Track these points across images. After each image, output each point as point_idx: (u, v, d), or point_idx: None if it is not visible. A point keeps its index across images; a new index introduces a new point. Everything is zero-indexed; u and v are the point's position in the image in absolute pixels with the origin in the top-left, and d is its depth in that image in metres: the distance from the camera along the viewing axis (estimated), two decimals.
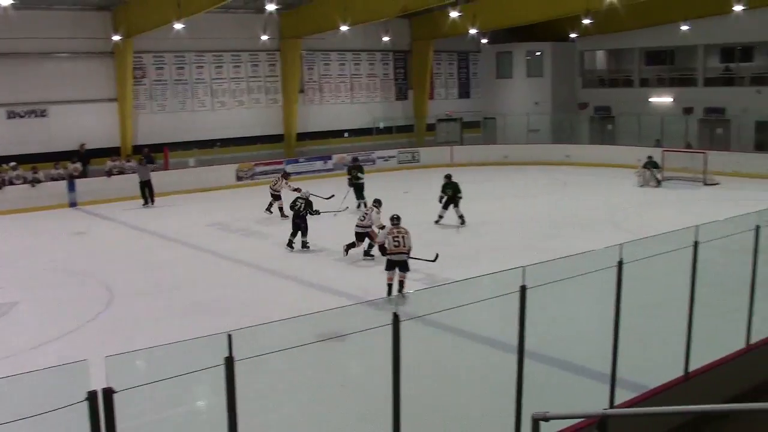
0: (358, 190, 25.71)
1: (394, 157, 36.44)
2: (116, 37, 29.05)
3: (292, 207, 20.25)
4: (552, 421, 6.65)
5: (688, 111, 37.38)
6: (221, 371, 5.69)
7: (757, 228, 9.83)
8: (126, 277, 17.50)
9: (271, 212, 24.33)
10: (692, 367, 9.27)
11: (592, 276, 8.07)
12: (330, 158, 34.59)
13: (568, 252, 9.84)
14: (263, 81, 34.86)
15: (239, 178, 32.04)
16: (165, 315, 14.55)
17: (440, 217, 22.73)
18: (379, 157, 35.61)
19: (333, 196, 23.16)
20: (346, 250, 18.59)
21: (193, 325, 13.25)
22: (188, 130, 32.29)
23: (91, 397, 5.11)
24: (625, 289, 8.26)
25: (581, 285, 8.45)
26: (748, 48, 37.46)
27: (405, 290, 15.02)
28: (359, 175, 25.89)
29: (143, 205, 27.23)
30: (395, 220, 15.69)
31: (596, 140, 39.53)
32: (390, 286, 15.07)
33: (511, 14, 34.22)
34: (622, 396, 8.62)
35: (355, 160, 28.20)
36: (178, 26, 26.10)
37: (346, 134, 37.46)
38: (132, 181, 28.04)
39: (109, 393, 5.14)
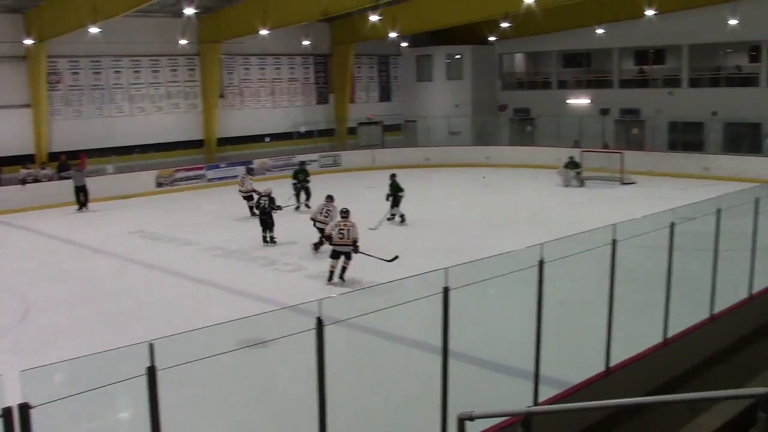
0: (307, 192, 26.32)
1: (315, 161, 36.26)
2: (28, 41, 28.30)
3: (257, 206, 21.30)
4: (477, 421, 6.69)
5: (604, 112, 38.17)
6: (143, 381, 5.59)
7: (672, 225, 10.05)
8: (42, 287, 17.05)
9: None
10: (612, 363, 9.44)
11: (515, 275, 8.15)
12: (251, 163, 34.29)
13: (491, 252, 9.95)
14: (182, 86, 34.39)
15: (159, 185, 31.57)
16: (84, 326, 14.22)
17: (393, 215, 23.21)
18: (300, 162, 35.41)
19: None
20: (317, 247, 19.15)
21: (113, 335, 12.97)
22: (106, 137, 31.61)
23: (6, 413, 4.95)
24: (546, 288, 8.37)
25: (504, 285, 8.52)
26: (660, 51, 38.43)
27: (345, 275, 16.45)
28: (308, 178, 26.51)
29: (78, 210, 26.99)
30: (344, 213, 17.02)
31: (516, 141, 40.10)
32: (332, 272, 16.45)
33: (430, 18, 34.46)
34: (546, 393, 8.72)
35: (301, 164, 28.28)
36: (93, 30, 25.50)
37: (267, 139, 37.19)
38: (49, 188, 27.83)
39: (25, 409, 4.99)
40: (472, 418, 6.61)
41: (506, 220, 23.41)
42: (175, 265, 18.90)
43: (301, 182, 26.35)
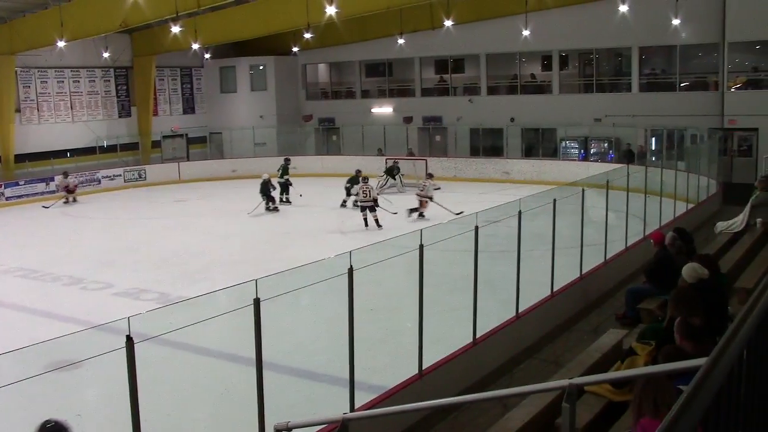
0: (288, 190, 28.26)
1: (120, 175, 35.21)
2: None
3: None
4: (294, 431, 6.63)
5: (407, 120, 39.03)
6: None
7: (476, 228, 10.33)
8: None
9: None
10: (426, 365, 9.60)
11: (325, 284, 8.14)
12: (53, 179, 32.87)
13: (299, 262, 9.90)
14: None
15: None
16: None
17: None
18: (104, 177, 34.31)
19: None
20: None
21: None
22: None
23: None
24: (357, 295, 8.40)
25: (315, 294, 8.50)
26: (459, 60, 39.65)
27: (379, 224, 22.86)
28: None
29: None
30: (365, 179, 24.21)
31: (322, 151, 40.45)
32: (365, 220, 23.07)
33: (232, 29, 34.18)
34: (363, 399, 8.76)
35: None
36: None
37: (68, 154, 35.60)
38: None
39: None
40: (289, 428, 6.56)
41: (314, 229, 23.50)
42: None
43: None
